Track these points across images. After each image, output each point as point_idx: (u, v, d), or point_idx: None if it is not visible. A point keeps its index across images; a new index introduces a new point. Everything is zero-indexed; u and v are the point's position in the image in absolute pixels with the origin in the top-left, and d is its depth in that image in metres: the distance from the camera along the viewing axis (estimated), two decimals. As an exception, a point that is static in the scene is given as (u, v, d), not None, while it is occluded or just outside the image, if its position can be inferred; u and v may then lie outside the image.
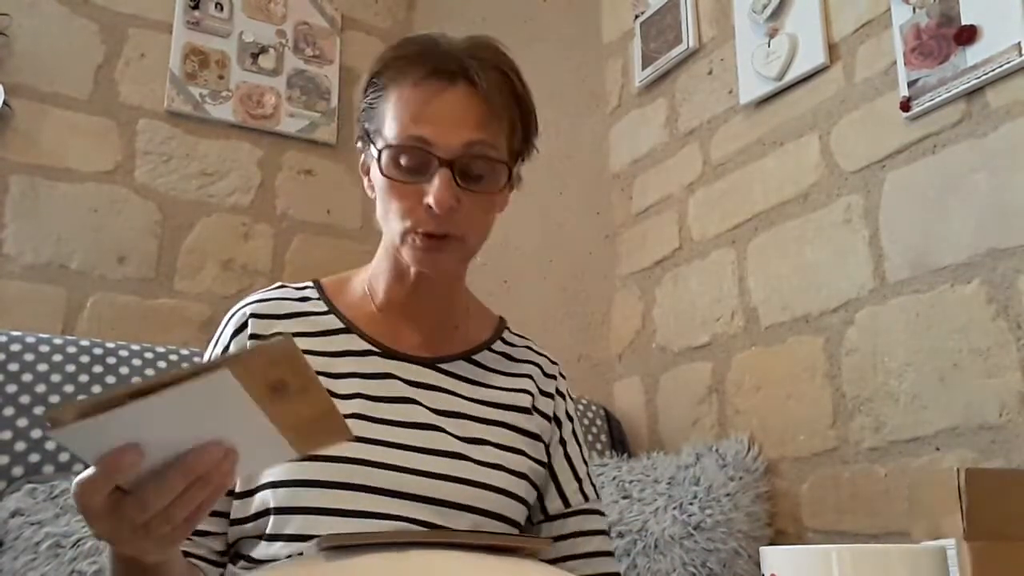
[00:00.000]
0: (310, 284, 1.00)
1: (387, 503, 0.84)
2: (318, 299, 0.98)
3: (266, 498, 0.85)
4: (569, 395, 1.07)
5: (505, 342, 1.04)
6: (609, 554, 1.01)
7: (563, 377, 1.07)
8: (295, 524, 0.83)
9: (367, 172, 0.95)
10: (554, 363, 1.07)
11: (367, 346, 0.94)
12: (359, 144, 0.96)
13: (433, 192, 0.85)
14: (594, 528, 1.01)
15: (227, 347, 0.93)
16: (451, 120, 0.87)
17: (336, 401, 0.87)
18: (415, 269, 0.92)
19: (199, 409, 0.58)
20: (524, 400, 0.99)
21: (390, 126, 0.89)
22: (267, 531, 0.84)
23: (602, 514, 1.03)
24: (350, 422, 0.86)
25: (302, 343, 0.91)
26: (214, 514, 0.87)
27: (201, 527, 0.86)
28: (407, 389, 0.92)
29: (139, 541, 0.62)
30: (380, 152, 0.89)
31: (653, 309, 2.00)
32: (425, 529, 0.85)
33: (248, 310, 0.94)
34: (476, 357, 1.00)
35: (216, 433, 0.60)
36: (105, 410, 0.55)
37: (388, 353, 0.94)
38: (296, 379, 0.59)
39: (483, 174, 0.89)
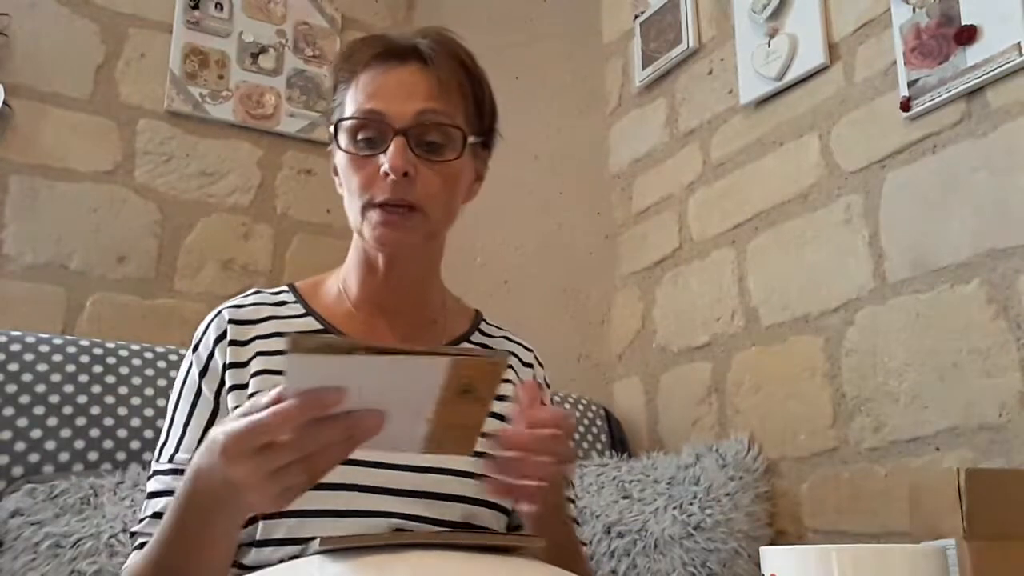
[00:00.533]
0: (285, 288, 1.01)
1: (377, 500, 0.84)
2: (295, 302, 0.99)
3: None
4: (547, 383, 1.09)
5: (483, 333, 1.06)
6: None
7: (540, 365, 1.08)
8: (285, 528, 0.83)
9: (336, 172, 0.96)
10: (529, 350, 1.08)
11: None
12: (329, 147, 0.98)
13: (388, 159, 0.88)
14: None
15: (212, 353, 0.93)
16: (404, 92, 0.90)
17: None
18: (382, 258, 0.93)
19: (398, 381, 0.62)
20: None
21: (348, 109, 0.92)
22: (257, 537, 0.84)
23: (573, 502, 1.04)
24: None
25: (280, 343, 0.92)
26: None
27: None
28: None
29: (268, 487, 0.64)
30: (337, 128, 0.92)
31: (653, 309, 2.00)
32: (417, 524, 0.85)
33: (227, 315, 0.95)
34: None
35: (384, 405, 0.63)
36: (341, 352, 0.59)
37: None
38: (482, 391, 0.63)
39: (437, 141, 0.91)
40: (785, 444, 1.63)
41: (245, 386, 0.90)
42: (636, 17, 2.12)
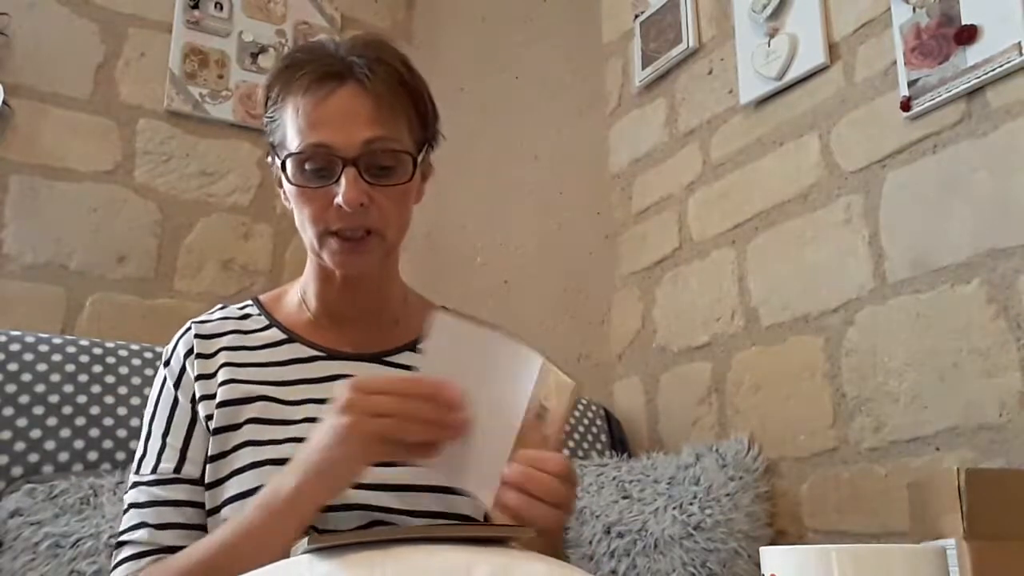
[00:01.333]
0: (250, 303, 1.03)
1: (350, 494, 0.85)
2: (259, 315, 1.01)
3: (230, 514, 0.87)
4: None
5: None
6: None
7: None
8: None
9: (280, 184, 0.96)
10: None
11: (312, 352, 0.97)
12: (269, 159, 0.98)
13: (342, 192, 0.88)
14: None
15: (183, 366, 0.95)
16: (346, 120, 0.89)
17: (287, 408, 0.91)
18: (339, 273, 0.94)
19: (502, 371, 0.74)
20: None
21: (291, 136, 0.91)
22: None
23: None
24: (303, 426, 0.90)
25: (247, 356, 0.95)
26: (198, 528, 0.90)
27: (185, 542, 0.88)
28: None
29: (369, 447, 0.75)
30: (284, 162, 0.91)
31: (653, 309, 2.00)
32: (392, 516, 0.87)
33: (193, 330, 0.97)
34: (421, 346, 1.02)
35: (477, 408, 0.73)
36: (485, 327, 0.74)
37: (333, 355, 0.97)
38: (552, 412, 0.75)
39: (388, 166, 0.91)
40: (785, 444, 1.63)
41: (213, 396, 0.92)
42: (636, 17, 2.12)
